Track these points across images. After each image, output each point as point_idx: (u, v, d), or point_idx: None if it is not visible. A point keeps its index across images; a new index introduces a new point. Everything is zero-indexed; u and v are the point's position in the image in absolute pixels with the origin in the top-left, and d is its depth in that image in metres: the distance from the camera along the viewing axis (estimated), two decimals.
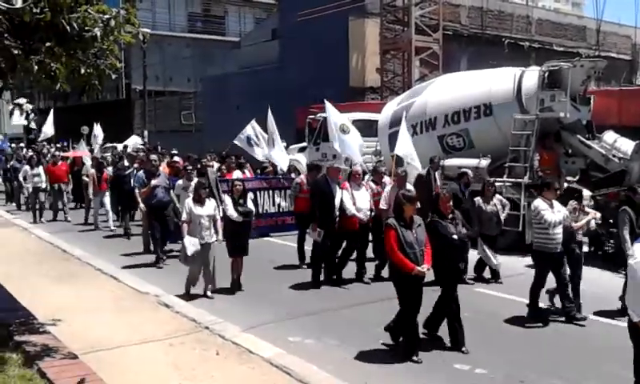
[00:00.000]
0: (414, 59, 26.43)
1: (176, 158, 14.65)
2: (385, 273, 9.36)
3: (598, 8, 65.85)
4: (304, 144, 19.96)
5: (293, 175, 14.72)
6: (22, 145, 32.15)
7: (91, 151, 21.36)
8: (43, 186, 16.96)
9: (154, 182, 11.46)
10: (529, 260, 11.34)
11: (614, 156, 11.92)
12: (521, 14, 31.99)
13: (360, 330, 7.56)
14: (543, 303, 8.21)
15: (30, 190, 16.71)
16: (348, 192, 9.90)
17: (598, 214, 8.64)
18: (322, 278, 9.82)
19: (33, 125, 23.64)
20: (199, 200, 8.92)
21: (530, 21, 32.05)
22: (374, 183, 10.67)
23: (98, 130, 24.12)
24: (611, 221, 10.56)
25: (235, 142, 15.96)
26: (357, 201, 9.88)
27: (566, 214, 8.02)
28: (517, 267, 10.46)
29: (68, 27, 5.28)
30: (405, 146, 12.12)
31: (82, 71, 5.75)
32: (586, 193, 10.59)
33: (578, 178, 12.63)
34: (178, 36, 45.40)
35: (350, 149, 13.09)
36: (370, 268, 10.17)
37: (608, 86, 19.73)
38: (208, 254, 8.94)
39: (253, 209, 9.98)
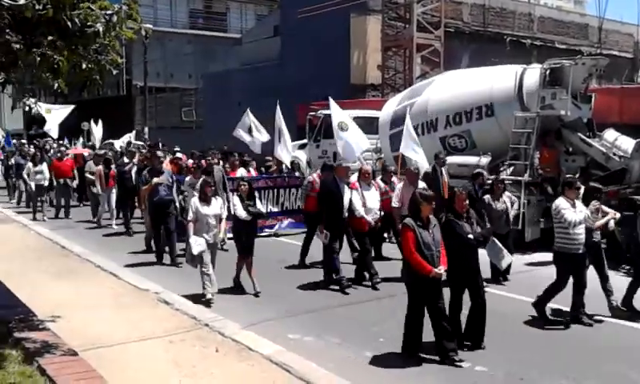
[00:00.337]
0: (416, 56, 26.42)
1: (179, 155, 14.64)
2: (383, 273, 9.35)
3: (600, 6, 66.01)
4: (304, 141, 19.96)
5: (297, 174, 14.67)
6: (23, 141, 32.09)
7: (92, 148, 21.31)
8: (46, 183, 16.90)
9: (156, 179, 11.36)
10: (529, 258, 11.42)
11: (614, 154, 11.91)
12: (523, 12, 31.93)
13: (360, 328, 7.56)
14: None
15: (33, 187, 16.69)
16: (358, 192, 9.73)
17: (618, 214, 8.29)
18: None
19: (44, 116, 22.93)
20: (205, 199, 8.74)
21: (532, 18, 31.99)
22: (384, 182, 10.62)
23: (95, 127, 23.99)
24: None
25: (234, 134, 15.92)
26: (367, 201, 9.74)
27: (587, 214, 7.69)
28: (517, 265, 10.44)
29: (70, 23, 5.26)
30: (410, 144, 12.15)
31: (84, 66, 5.73)
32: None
33: (577, 176, 12.61)
34: (180, 32, 45.47)
35: (349, 146, 13.06)
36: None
37: (610, 83, 19.67)
38: (214, 254, 8.83)
39: (263, 210, 9.82)
